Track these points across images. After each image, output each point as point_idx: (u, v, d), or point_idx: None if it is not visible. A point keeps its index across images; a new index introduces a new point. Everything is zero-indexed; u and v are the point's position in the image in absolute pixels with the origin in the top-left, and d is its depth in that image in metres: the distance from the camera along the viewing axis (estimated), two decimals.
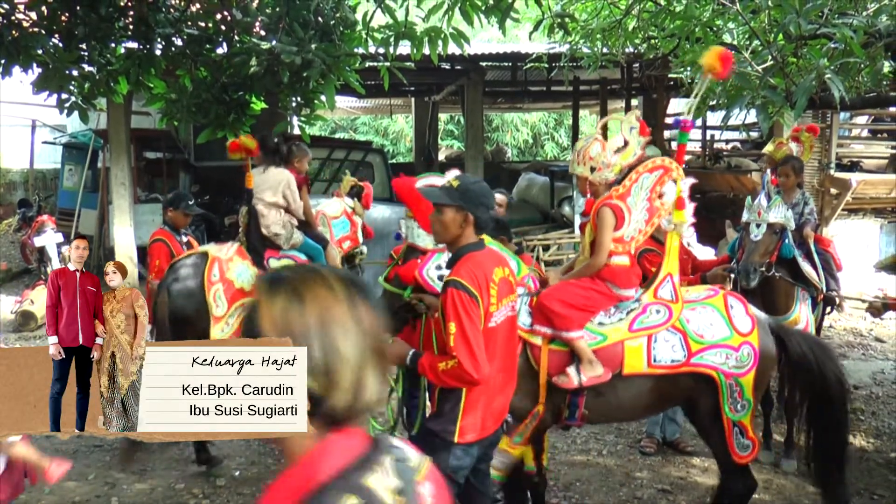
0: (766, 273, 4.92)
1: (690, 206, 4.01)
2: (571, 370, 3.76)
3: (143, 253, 10.71)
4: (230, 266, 5.24)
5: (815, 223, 5.72)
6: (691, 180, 4.10)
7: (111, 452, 5.63)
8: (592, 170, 3.98)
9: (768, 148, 6.06)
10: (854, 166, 11.39)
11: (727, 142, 14.13)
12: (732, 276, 5.13)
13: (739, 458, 3.91)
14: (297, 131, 6.08)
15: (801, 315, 5.20)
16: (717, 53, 3.70)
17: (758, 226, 4.87)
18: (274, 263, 5.47)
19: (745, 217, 5.03)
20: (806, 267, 5.23)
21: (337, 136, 23.23)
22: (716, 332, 3.86)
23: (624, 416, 4.42)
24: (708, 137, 13.72)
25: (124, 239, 10.39)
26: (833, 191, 10.75)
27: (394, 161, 21.12)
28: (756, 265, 4.83)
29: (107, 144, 11.22)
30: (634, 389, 3.92)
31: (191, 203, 6.07)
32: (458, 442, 3.20)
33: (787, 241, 5.01)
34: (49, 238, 10.75)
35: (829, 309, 5.76)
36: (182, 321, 5.09)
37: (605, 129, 4.22)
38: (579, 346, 3.76)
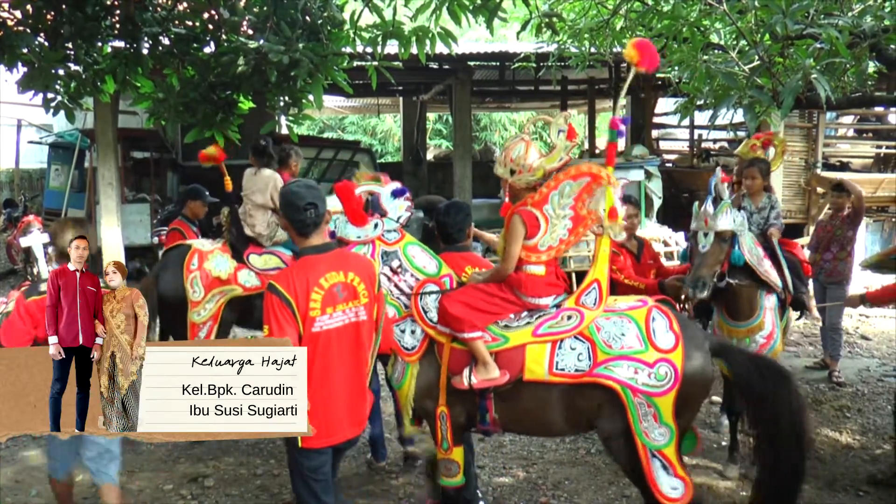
0: (718, 283, 4.66)
1: (622, 211, 3.76)
2: (466, 371, 3.70)
3: (130, 253, 10.69)
4: (210, 257, 5.68)
5: (781, 227, 5.54)
6: (624, 181, 3.95)
7: None
8: (512, 172, 3.76)
9: (741, 149, 5.93)
10: (844, 166, 11.50)
11: (714, 141, 14.21)
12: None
13: (665, 499, 3.54)
14: (285, 131, 6.11)
15: (767, 320, 5.00)
16: (634, 45, 3.52)
17: (705, 235, 4.58)
18: (255, 259, 5.85)
19: (692, 225, 4.74)
20: (763, 268, 4.95)
21: (325, 135, 23.22)
22: (626, 343, 3.58)
23: (539, 427, 4.02)
24: (696, 137, 13.79)
25: (112, 239, 10.33)
26: (819, 190, 10.84)
27: (382, 160, 21.09)
28: (705, 278, 4.55)
29: (94, 144, 11.17)
30: (539, 398, 3.72)
31: (206, 193, 6.80)
32: (302, 447, 3.26)
33: (736, 247, 4.69)
34: (35, 238, 10.59)
35: (798, 314, 5.60)
36: (165, 305, 5.62)
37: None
38: (475, 348, 3.67)
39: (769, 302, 5.03)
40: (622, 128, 3.70)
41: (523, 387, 3.70)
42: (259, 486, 5.10)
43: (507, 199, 3.95)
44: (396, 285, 3.88)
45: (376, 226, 3.87)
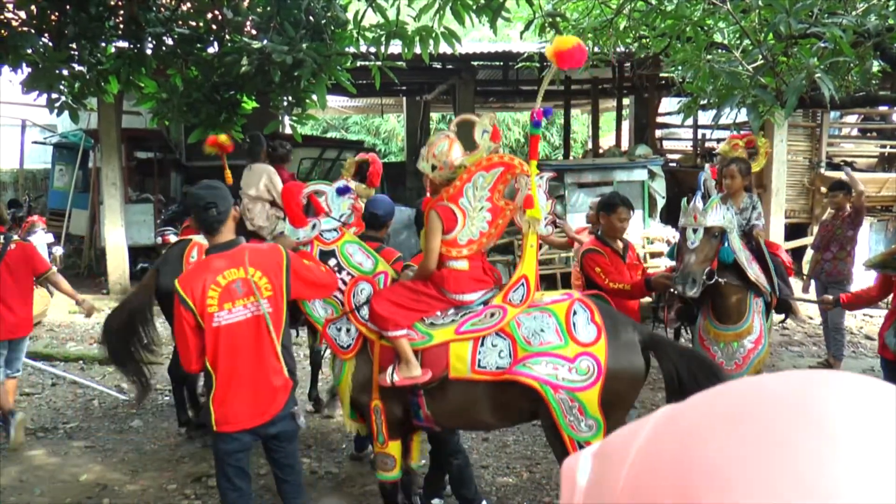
0: (708, 281, 4.44)
1: (547, 203, 3.69)
2: (389, 369, 3.71)
3: (134, 253, 10.71)
4: None
5: (762, 227, 5.41)
6: (549, 175, 3.78)
7: (103, 454, 5.62)
8: (434, 168, 3.77)
9: (723, 148, 5.79)
10: (848, 166, 11.47)
11: (718, 140, 14.18)
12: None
13: None
14: (288, 131, 6.15)
15: (755, 324, 4.82)
16: (554, 53, 3.43)
17: (694, 231, 4.42)
18: None
19: (680, 221, 4.60)
20: (753, 270, 4.80)
21: (328, 135, 23.23)
22: (545, 338, 3.53)
23: (470, 423, 4.05)
24: (699, 136, 13.78)
25: (116, 239, 10.36)
26: (823, 189, 10.82)
27: (385, 160, 21.08)
28: (695, 274, 4.33)
29: (97, 144, 11.18)
30: (464, 395, 3.70)
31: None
32: (217, 430, 3.49)
33: (726, 244, 4.56)
34: (39, 238, 10.71)
35: (783, 316, 5.48)
36: (168, 297, 5.55)
37: (458, 127, 4.06)
38: (399, 346, 3.69)
39: (757, 305, 4.90)
40: (545, 120, 3.65)
41: (450, 384, 3.71)
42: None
43: (428, 195, 3.97)
44: None
45: (314, 226, 3.91)
